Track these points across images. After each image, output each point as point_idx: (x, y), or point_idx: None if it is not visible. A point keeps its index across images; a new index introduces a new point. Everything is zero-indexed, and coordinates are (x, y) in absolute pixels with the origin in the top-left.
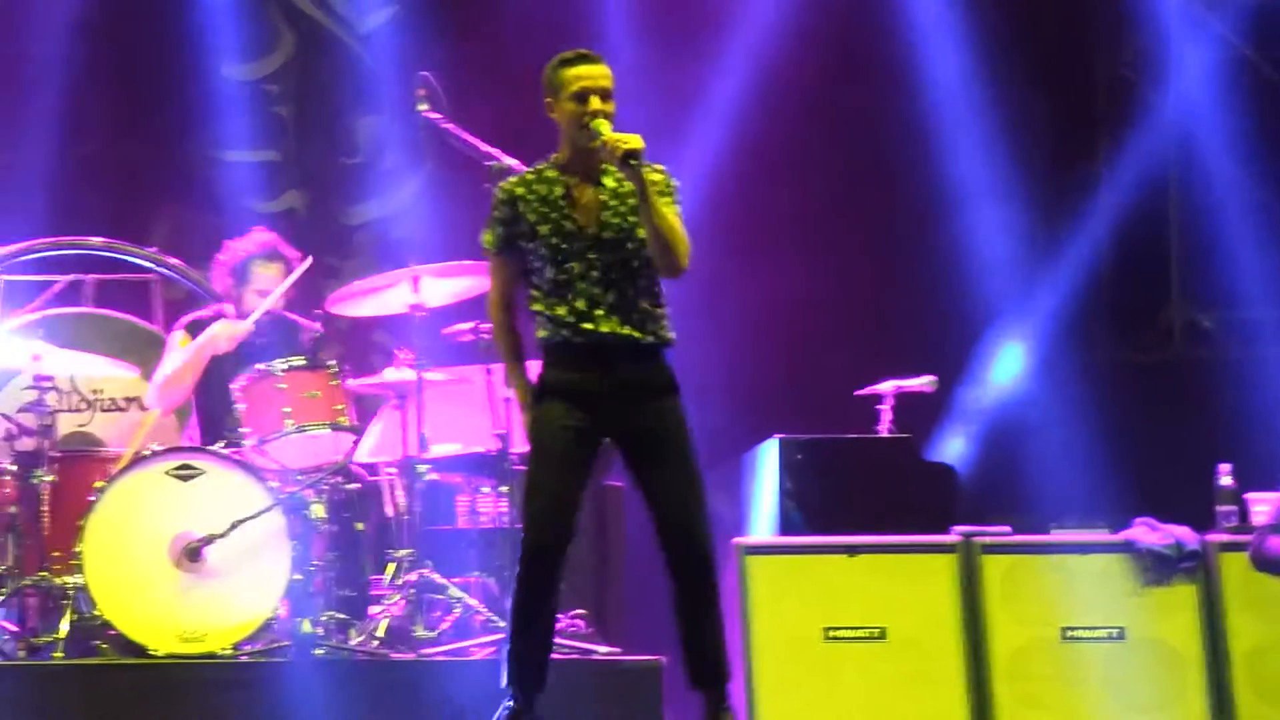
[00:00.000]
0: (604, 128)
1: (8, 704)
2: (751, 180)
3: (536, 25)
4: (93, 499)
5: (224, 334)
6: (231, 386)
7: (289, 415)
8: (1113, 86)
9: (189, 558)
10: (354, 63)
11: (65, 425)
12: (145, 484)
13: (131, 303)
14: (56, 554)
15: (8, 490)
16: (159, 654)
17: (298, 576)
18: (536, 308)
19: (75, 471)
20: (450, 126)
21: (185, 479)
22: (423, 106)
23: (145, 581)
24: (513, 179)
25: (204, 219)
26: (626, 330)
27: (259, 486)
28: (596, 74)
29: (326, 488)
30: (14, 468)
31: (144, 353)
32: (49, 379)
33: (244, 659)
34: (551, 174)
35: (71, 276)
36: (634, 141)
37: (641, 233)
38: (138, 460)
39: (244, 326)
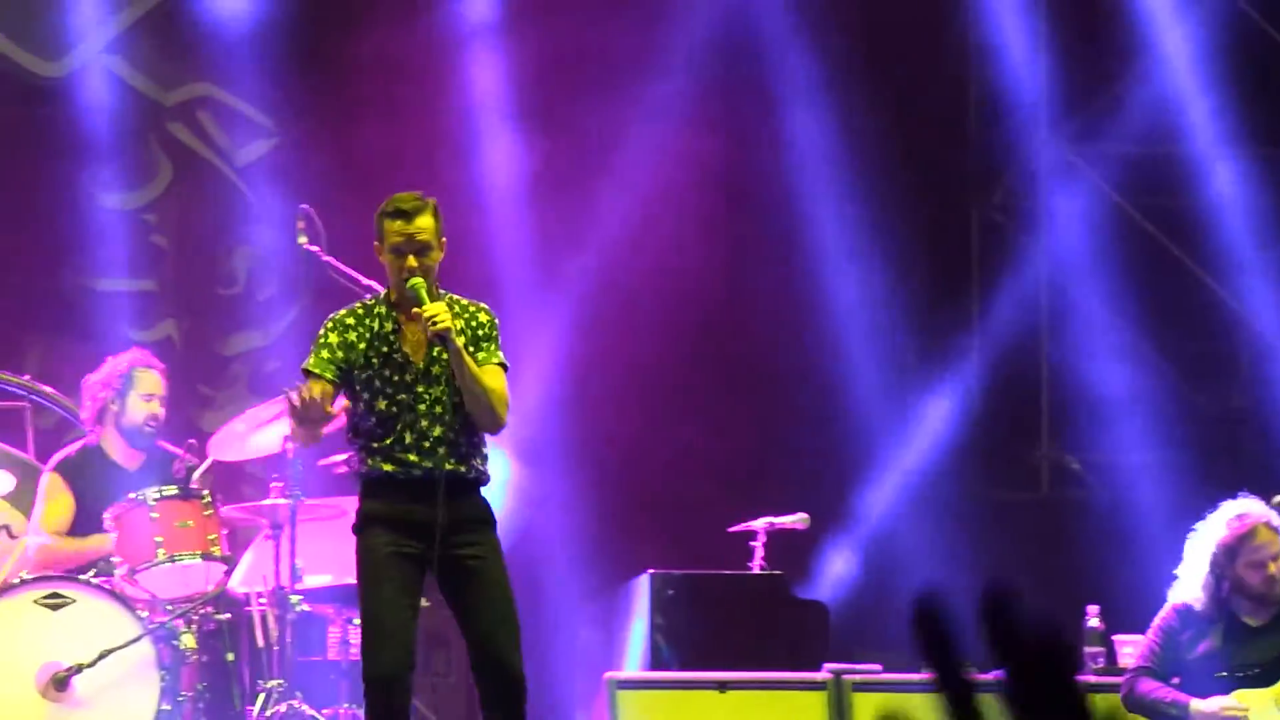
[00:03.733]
0: (420, 290)
1: None
2: (620, 319)
3: (414, 142)
4: None
5: (106, 547)
6: (104, 515)
7: (161, 544)
8: (985, 229)
9: (56, 688)
10: (232, 193)
11: None
12: (13, 612)
13: (3, 430)
14: None
15: None
16: None
17: (166, 707)
18: (360, 439)
19: None
20: (329, 260)
21: (54, 608)
22: (302, 239)
23: (11, 711)
24: (343, 311)
25: (79, 347)
26: (451, 465)
27: (129, 616)
28: (414, 229)
29: (197, 618)
30: None
31: (16, 480)
32: None
33: None
34: (381, 310)
35: None
36: (443, 320)
37: None
38: (5, 588)
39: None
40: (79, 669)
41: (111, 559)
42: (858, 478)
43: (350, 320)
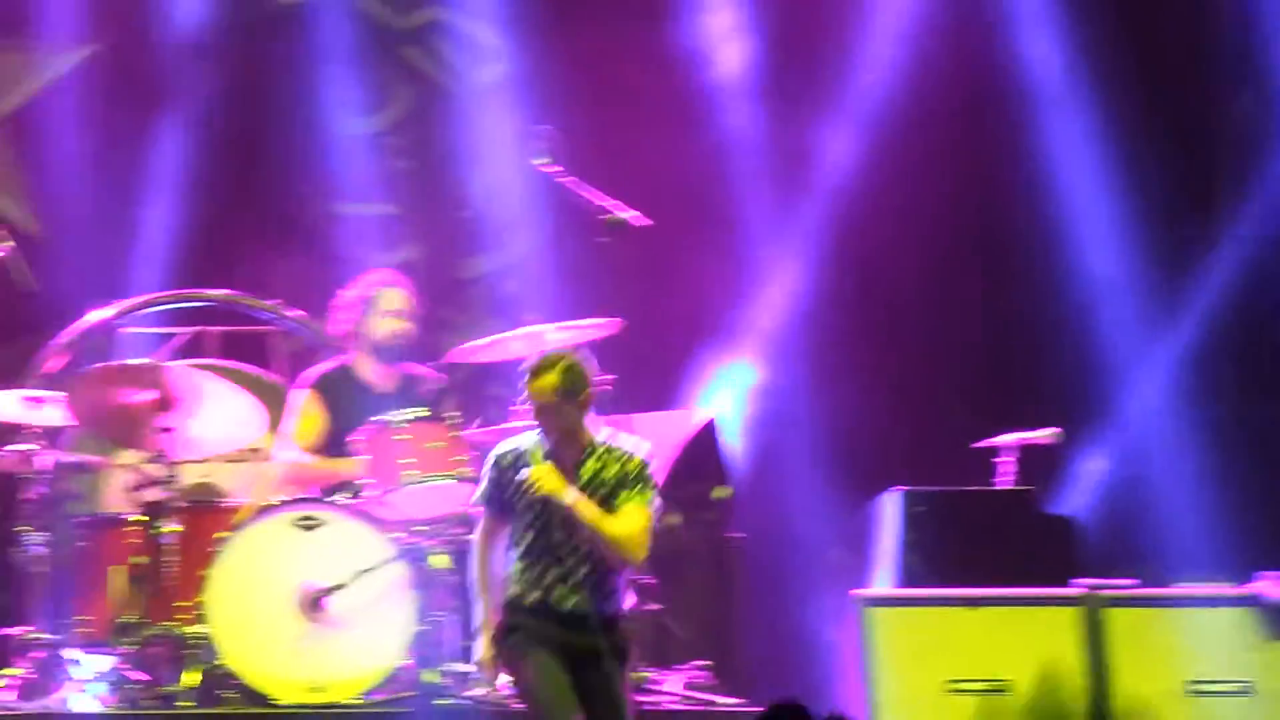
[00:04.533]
0: (532, 454)
1: None
2: (872, 233)
3: (648, 81)
4: (216, 549)
5: (355, 471)
6: (355, 438)
7: (411, 466)
8: (1235, 134)
9: (312, 608)
10: (469, 116)
11: (189, 476)
12: (269, 534)
13: (253, 355)
14: (182, 604)
15: (134, 541)
16: (283, 704)
17: (421, 627)
18: (514, 565)
19: (199, 522)
20: (566, 180)
21: (308, 529)
22: (540, 160)
23: (269, 631)
24: (506, 448)
25: (323, 272)
26: (588, 604)
27: (381, 537)
28: (533, 390)
29: (449, 538)
30: (140, 518)
31: (267, 404)
32: (172, 430)
33: (368, 709)
34: (538, 453)
35: (195, 329)
36: (541, 485)
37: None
38: (261, 511)
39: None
40: (334, 589)
41: (359, 482)
42: (1110, 392)
43: (507, 461)
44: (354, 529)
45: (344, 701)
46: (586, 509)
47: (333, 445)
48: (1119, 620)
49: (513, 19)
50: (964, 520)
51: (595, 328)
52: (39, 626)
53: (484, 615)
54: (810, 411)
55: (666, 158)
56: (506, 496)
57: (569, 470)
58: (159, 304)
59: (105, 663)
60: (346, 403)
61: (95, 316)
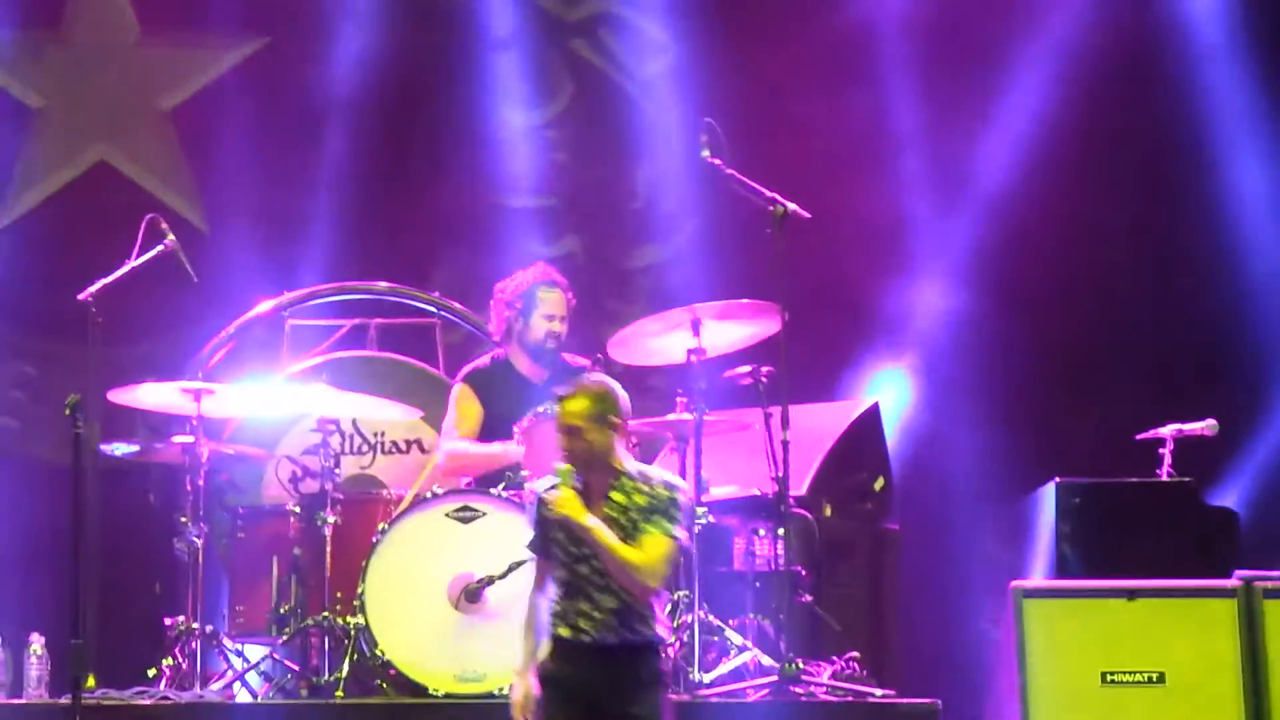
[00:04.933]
0: (562, 474)
1: None
2: (1034, 221)
3: (815, 74)
4: (375, 540)
5: (515, 454)
6: (513, 428)
7: None
8: None
9: (468, 599)
10: (632, 108)
11: (348, 467)
12: (426, 526)
13: (414, 346)
14: (339, 594)
15: (292, 532)
16: (438, 694)
17: None
18: (553, 604)
19: (358, 513)
20: (731, 172)
21: (466, 521)
22: (705, 152)
23: (425, 622)
24: (545, 484)
25: (485, 264)
26: (615, 636)
27: None
28: (561, 414)
29: None
30: (298, 509)
31: (426, 396)
32: (333, 422)
33: None
34: (567, 476)
35: (356, 320)
36: (568, 511)
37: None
38: (419, 502)
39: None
40: (490, 581)
41: (521, 470)
42: (1269, 383)
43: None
44: (511, 520)
45: (498, 691)
46: (602, 534)
47: (491, 435)
48: (1278, 612)
49: (680, 12)
50: (1121, 512)
51: (759, 318)
52: (197, 617)
53: (522, 660)
54: (970, 402)
55: (832, 150)
56: (549, 535)
57: (597, 497)
58: (322, 296)
59: (262, 653)
60: (502, 393)
61: (259, 309)
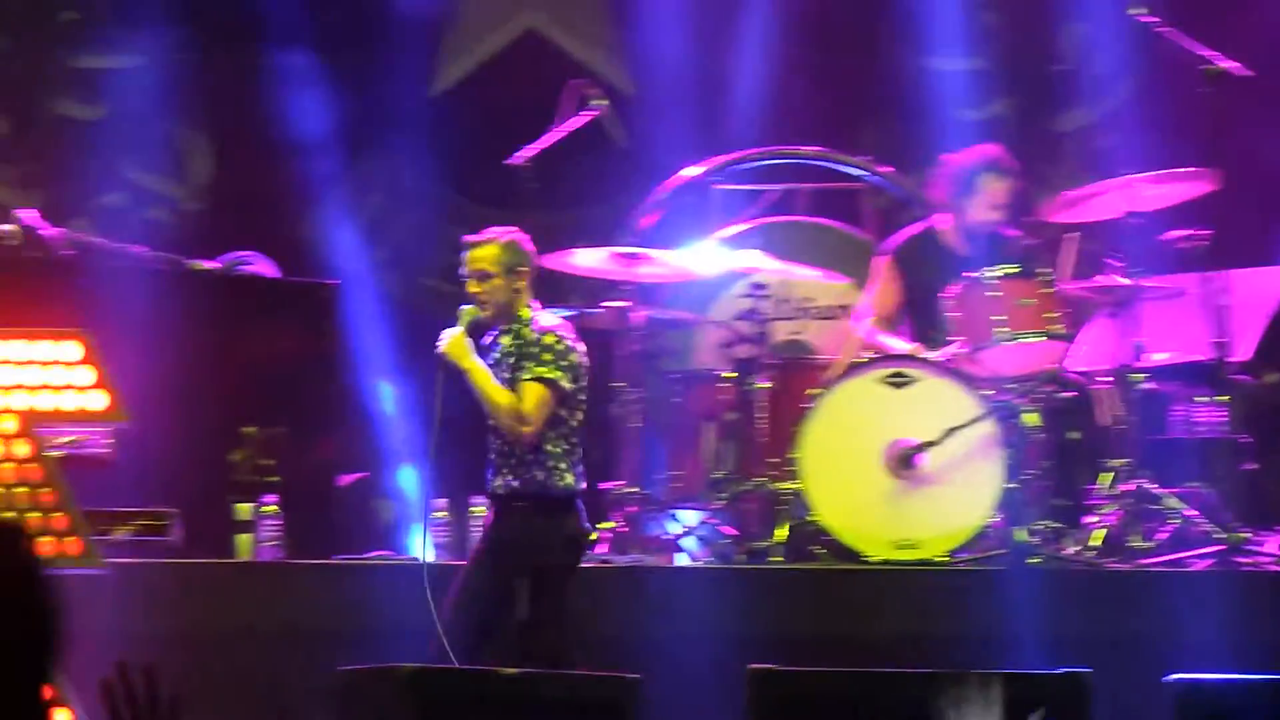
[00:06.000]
0: (461, 315)
1: (732, 606)
2: None
3: None
4: (808, 406)
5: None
6: (942, 296)
7: (1001, 323)
8: None
9: (903, 465)
10: None
11: (779, 333)
12: (859, 392)
13: (842, 212)
14: (773, 460)
15: (726, 396)
16: (873, 560)
17: (1012, 485)
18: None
19: (791, 379)
20: (1165, 30)
21: (898, 386)
22: (1137, 10)
23: (859, 488)
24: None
25: (913, 128)
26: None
27: (971, 394)
28: (472, 259)
29: (1039, 396)
30: (732, 374)
31: (855, 262)
32: (764, 287)
33: (959, 567)
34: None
35: (785, 186)
36: (450, 351)
37: None
38: (851, 368)
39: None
40: (925, 446)
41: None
42: None
43: None
44: (944, 386)
45: (934, 558)
46: (477, 376)
47: (914, 308)
48: None
49: None
50: None
51: (1193, 181)
52: (633, 481)
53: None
54: None
55: (1273, 7)
56: None
57: (490, 343)
58: (750, 161)
59: (697, 517)
60: (927, 266)
61: (687, 173)
